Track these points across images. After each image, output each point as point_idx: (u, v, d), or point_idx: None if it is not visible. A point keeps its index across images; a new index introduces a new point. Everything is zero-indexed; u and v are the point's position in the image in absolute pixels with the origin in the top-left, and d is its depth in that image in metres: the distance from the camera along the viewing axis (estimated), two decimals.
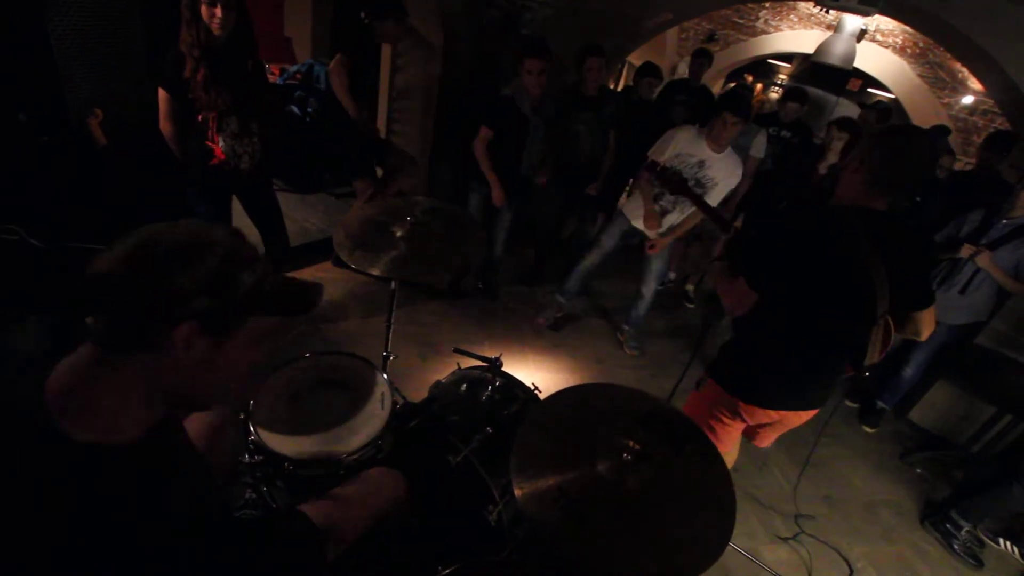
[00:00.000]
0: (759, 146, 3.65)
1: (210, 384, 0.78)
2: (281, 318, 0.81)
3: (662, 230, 3.06)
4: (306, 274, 3.53)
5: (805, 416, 1.77)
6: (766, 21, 7.42)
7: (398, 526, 1.30)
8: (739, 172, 2.92)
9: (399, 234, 1.69)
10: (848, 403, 3.56)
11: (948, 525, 2.61)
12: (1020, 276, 2.79)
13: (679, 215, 3.01)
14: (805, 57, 8.53)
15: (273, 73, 4.78)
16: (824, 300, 1.53)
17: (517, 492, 1.19)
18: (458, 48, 3.73)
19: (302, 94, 4.55)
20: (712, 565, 1.09)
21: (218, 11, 2.05)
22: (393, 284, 1.90)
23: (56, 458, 0.65)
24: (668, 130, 2.97)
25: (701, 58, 4.40)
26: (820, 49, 5.99)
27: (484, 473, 1.55)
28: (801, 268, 1.52)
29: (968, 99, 6.68)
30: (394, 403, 1.55)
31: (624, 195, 4.30)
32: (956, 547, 2.58)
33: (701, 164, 2.86)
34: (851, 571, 2.37)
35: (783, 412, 1.73)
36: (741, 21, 7.44)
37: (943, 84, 6.99)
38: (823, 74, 7.66)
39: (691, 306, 4.39)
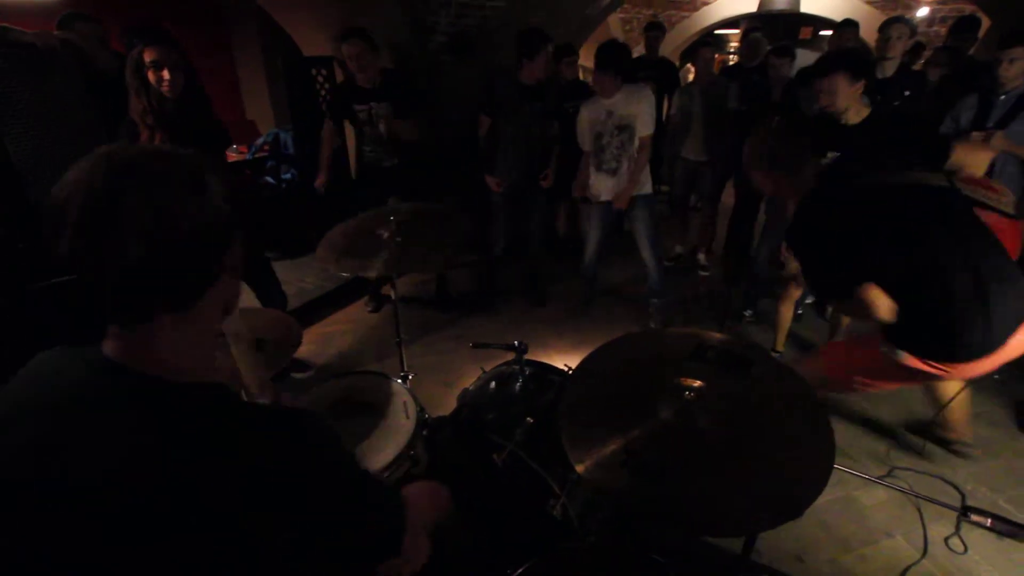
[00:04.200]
0: (734, 97, 3.67)
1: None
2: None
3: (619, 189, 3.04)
4: (315, 332, 3.43)
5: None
6: None
7: (449, 540, 1.13)
8: (645, 92, 2.92)
9: (386, 235, 1.59)
10: None
11: None
12: None
13: (627, 165, 2.98)
14: (750, 18, 8.63)
15: (241, 152, 4.82)
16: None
17: (579, 468, 1.04)
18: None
19: (273, 164, 4.57)
20: (824, 486, 0.91)
21: (166, 74, 2.02)
22: (393, 294, 1.77)
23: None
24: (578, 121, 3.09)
25: (654, 31, 4.41)
26: (763, 0, 6.02)
27: (535, 465, 1.38)
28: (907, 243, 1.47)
29: (923, 11, 6.66)
30: (422, 414, 1.41)
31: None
32: None
33: (610, 113, 2.93)
34: (963, 496, 2.12)
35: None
36: None
37: (894, 4, 6.99)
38: (774, 29, 7.70)
39: (706, 273, 4.23)
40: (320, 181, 3.20)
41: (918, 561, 1.87)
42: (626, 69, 2.88)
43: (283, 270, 4.09)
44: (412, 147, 3.17)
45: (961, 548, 1.90)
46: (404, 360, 1.86)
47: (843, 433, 2.50)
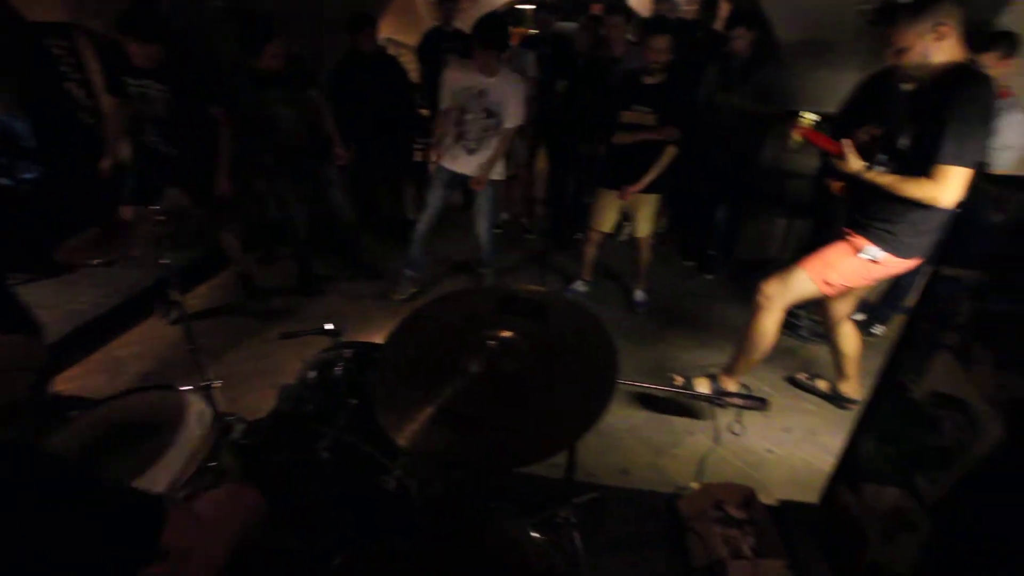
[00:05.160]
0: (532, 66, 3.81)
1: None
2: None
3: (477, 166, 3.04)
4: (100, 359, 2.87)
5: None
6: None
7: (266, 542, 1.05)
8: (522, 86, 2.96)
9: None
10: (686, 263, 3.94)
11: (791, 319, 3.00)
12: (768, 100, 3.23)
13: (486, 152, 3.00)
14: None
15: None
16: None
17: (400, 441, 1.02)
18: None
19: (5, 161, 3.64)
20: (611, 395, 1.04)
21: None
22: (177, 296, 1.54)
23: None
24: (442, 76, 2.97)
25: (449, 2, 4.39)
26: None
27: (362, 445, 1.34)
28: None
29: None
30: (222, 420, 1.26)
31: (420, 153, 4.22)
32: (803, 334, 2.99)
33: (483, 93, 2.88)
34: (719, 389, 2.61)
35: None
36: None
37: None
38: (565, 6, 8.22)
39: (532, 236, 4.48)
40: (105, 163, 2.73)
41: (712, 449, 2.26)
42: (507, 45, 2.82)
43: (42, 293, 3.34)
44: (197, 133, 2.80)
45: (740, 430, 2.34)
46: (205, 369, 1.65)
47: (649, 357, 2.89)
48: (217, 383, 1.64)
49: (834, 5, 3.30)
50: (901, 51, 1.69)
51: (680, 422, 2.44)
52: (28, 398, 1.10)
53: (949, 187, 1.63)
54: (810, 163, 3.32)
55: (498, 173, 3.12)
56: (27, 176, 3.66)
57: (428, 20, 7.48)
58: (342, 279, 3.68)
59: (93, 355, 2.91)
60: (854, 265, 1.97)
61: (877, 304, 3.03)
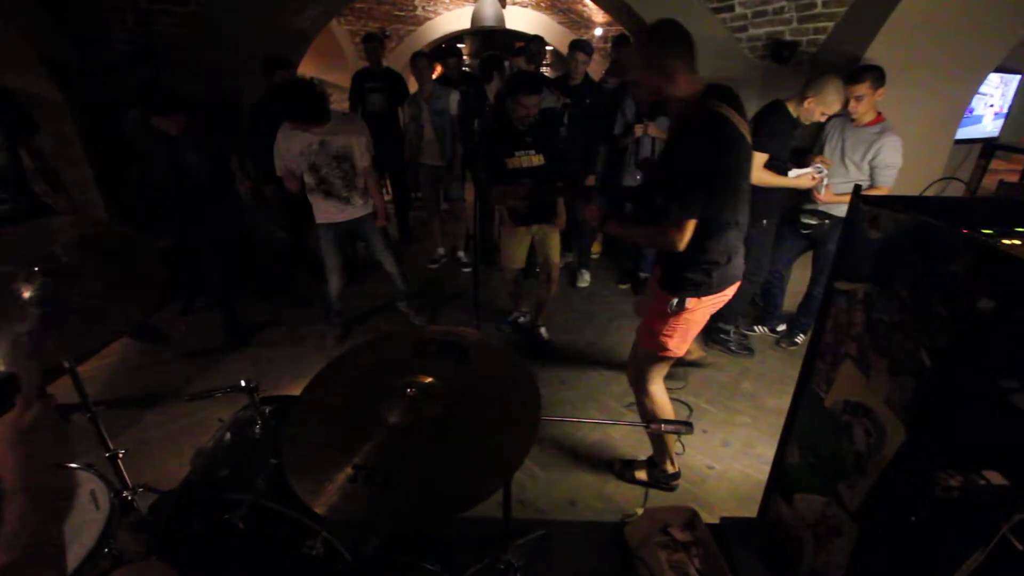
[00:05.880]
0: (455, 104, 3.90)
1: None
2: None
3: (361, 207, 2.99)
4: None
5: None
6: (424, 8, 7.89)
7: None
8: (357, 122, 2.94)
9: (28, 294, 1.20)
10: (621, 286, 4.05)
11: (721, 335, 3.13)
12: None
13: (359, 194, 2.96)
14: (473, 34, 9.39)
15: None
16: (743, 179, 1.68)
17: (318, 509, 0.95)
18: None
19: None
20: (534, 434, 1.01)
21: None
22: (67, 361, 1.39)
23: None
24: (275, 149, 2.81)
25: (372, 43, 4.43)
26: (473, 16, 6.61)
27: (283, 510, 1.25)
28: (734, 168, 1.63)
29: (599, 31, 8.13)
30: (118, 498, 1.14)
31: None
32: (733, 348, 3.11)
33: (322, 143, 2.77)
34: (690, 410, 2.67)
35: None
36: (402, 13, 7.77)
37: (578, 24, 8.39)
38: (495, 44, 8.52)
39: (467, 269, 4.46)
40: None
41: None
42: (321, 104, 2.65)
43: None
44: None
45: (680, 450, 2.38)
46: (106, 436, 1.50)
47: (592, 386, 2.91)
48: (121, 453, 1.49)
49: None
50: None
51: (624, 446, 2.45)
52: None
53: (682, 236, 1.62)
54: None
55: (371, 206, 3.07)
56: None
57: (354, 61, 7.54)
58: (270, 323, 3.52)
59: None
60: (675, 320, 1.82)
61: (795, 315, 3.21)
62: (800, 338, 3.19)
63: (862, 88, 2.51)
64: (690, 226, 1.61)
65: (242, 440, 1.44)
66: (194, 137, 2.86)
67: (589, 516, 2.08)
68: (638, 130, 3.34)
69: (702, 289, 1.75)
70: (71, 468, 1.16)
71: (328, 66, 7.37)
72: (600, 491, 2.21)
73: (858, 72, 2.53)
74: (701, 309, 1.82)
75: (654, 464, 2.19)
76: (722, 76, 3.37)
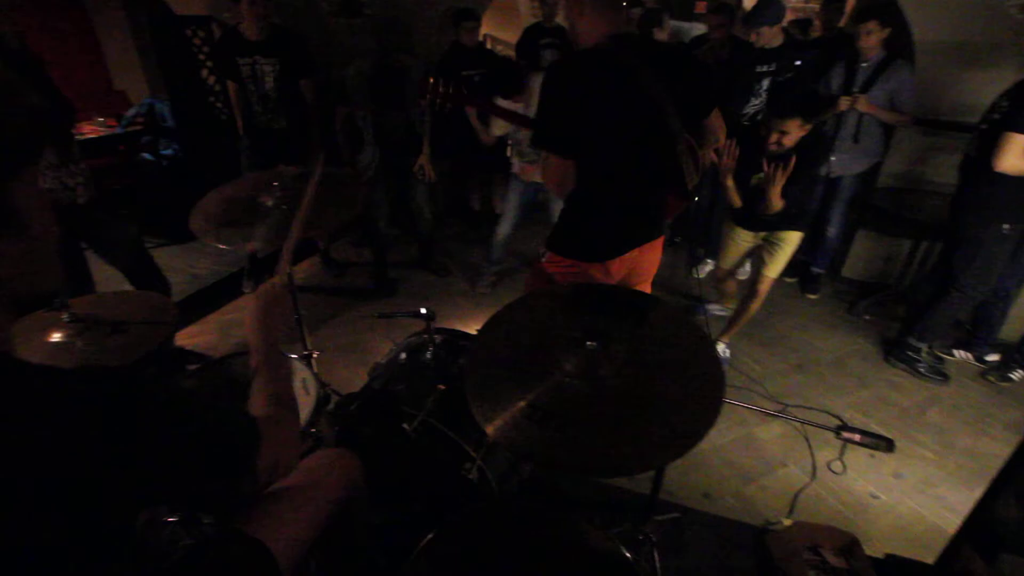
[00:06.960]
0: None
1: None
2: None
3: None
4: (213, 322, 3.14)
5: (650, 253, 1.70)
6: None
7: (361, 510, 1.08)
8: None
9: (270, 203, 1.45)
10: (787, 279, 3.65)
11: (909, 352, 2.70)
12: (896, 106, 2.93)
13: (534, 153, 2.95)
14: None
15: (110, 126, 4.26)
16: (624, 140, 1.49)
17: (489, 430, 1.01)
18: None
19: (150, 138, 4.08)
20: (713, 422, 0.95)
21: None
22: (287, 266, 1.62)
23: None
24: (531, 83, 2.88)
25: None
26: None
27: (448, 431, 1.35)
28: (594, 115, 1.44)
29: None
30: (323, 390, 1.32)
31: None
32: (922, 370, 2.67)
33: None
34: (842, 422, 2.37)
35: (624, 259, 1.63)
36: None
37: None
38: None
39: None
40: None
41: (808, 485, 2.07)
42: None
43: (170, 257, 3.72)
44: (302, 109, 3.00)
45: (841, 469, 2.13)
46: (307, 338, 1.74)
47: (741, 377, 2.70)
48: (316, 353, 1.72)
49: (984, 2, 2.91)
50: None
51: (770, 449, 2.26)
52: (159, 349, 1.21)
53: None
54: (948, 179, 2.94)
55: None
56: (165, 152, 4.08)
57: (527, 16, 7.52)
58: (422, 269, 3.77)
59: (207, 316, 3.20)
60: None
61: (1019, 345, 2.64)
62: (1019, 375, 2.62)
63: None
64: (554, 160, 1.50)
65: (415, 362, 1.58)
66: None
67: (723, 512, 1.97)
68: (843, 103, 2.91)
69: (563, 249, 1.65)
70: (290, 357, 1.37)
71: (500, 21, 7.47)
72: (738, 491, 2.08)
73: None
74: (560, 269, 1.65)
75: None
76: (981, 40, 2.79)
